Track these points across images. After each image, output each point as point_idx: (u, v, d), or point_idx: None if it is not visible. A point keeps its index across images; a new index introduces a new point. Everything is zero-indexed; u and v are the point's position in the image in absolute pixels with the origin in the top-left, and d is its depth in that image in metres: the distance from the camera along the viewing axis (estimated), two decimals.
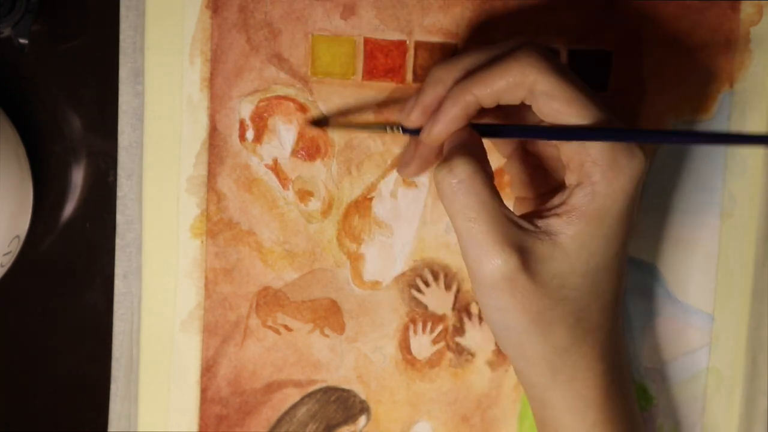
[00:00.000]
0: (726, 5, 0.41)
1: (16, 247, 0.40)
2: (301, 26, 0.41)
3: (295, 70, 0.41)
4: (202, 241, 0.42)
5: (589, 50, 0.41)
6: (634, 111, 0.42)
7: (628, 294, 0.42)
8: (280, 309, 0.42)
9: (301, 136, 0.41)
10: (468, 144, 0.35)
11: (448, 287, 0.42)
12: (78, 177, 0.42)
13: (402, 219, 0.42)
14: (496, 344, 0.43)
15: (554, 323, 0.35)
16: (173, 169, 0.41)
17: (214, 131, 0.41)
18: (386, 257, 0.42)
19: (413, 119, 0.37)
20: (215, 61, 0.41)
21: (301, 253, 0.42)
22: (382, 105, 0.41)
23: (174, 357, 0.42)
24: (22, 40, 0.40)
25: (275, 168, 0.42)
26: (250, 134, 0.41)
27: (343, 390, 0.43)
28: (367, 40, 0.41)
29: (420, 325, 0.43)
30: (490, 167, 0.35)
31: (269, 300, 0.42)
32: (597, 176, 0.34)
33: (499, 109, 0.36)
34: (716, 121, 0.42)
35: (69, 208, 0.42)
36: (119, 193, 0.42)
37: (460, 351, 0.43)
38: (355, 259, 0.42)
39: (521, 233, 0.34)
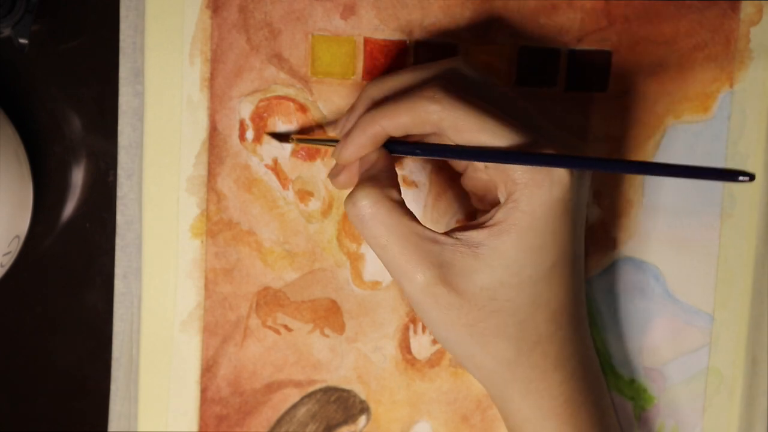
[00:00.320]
0: (726, 5, 0.41)
1: (16, 247, 0.40)
2: (301, 26, 0.41)
3: (295, 70, 0.41)
4: (202, 241, 0.42)
5: (589, 50, 0.41)
6: (634, 111, 0.42)
7: (628, 294, 0.42)
8: (280, 309, 0.42)
9: None
10: (375, 169, 0.35)
11: None
12: (78, 177, 0.42)
13: None
14: None
15: (491, 335, 0.35)
16: (173, 169, 0.41)
17: (214, 131, 0.41)
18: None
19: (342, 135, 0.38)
20: (215, 61, 0.41)
21: (301, 253, 0.42)
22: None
23: (174, 357, 0.42)
24: (22, 40, 0.40)
25: (275, 168, 0.42)
26: (250, 134, 0.41)
27: (343, 390, 0.43)
28: (367, 40, 0.41)
29: (420, 325, 0.43)
30: (398, 189, 0.35)
31: (269, 300, 0.42)
32: (517, 193, 0.34)
33: None
34: (716, 121, 0.42)
35: (69, 208, 0.42)
36: (119, 193, 0.42)
37: None
38: (355, 259, 0.42)
39: (438, 249, 0.34)
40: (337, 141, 0.38)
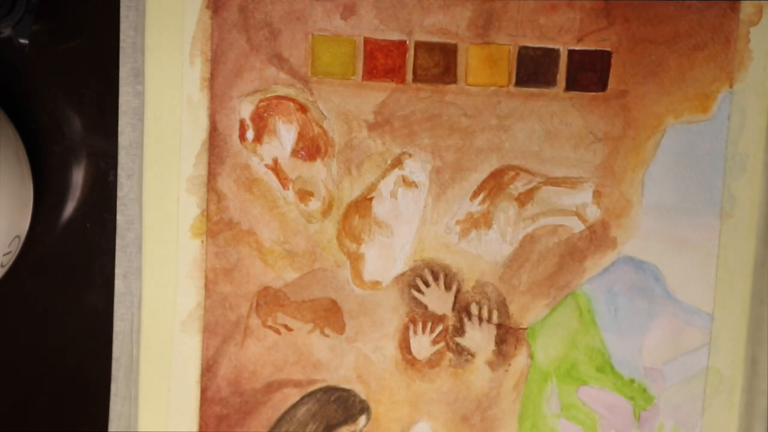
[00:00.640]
0: (726, 5, 0.41)
1: (16, 247, 0.40)
2: (301, 26, 0.41)
3: (295, 70, 0.41)
4: (202, 241, 0.42)
5: (589, 50, 0.41)
6: (634, 111, 0.42)
7: (628, 294, 0.42)
8: (280, 309, 0.42)
9: (301, 136, 0.41)
10: None
11: (448, 287, 0.42)
12: (78, 177, 0.42)
13: (402, 219, 0.42)
14: (495, 344, 0.43)
15: None
16: (173, 169, 0.41)
17: (214, 131, 0.41)
18: (386, 257, 0.42)
19: None
20: (215, 61, 0.41)
21: (301, 253, 0.42)
22: (382, 105, 0.41)
23: (174, 357, 0.42)
24: (22, 40, 0.40)
25: (275, 168, 0.42)
26: (250, 134, 0.41)
27: (343, 390, 0.43)
28: (367, 40, 0.41)
29: (420, 325, 0.43)
30: None
31: (269, 300, 0.42)
32: None
33: None
34: (716, 121, 0.42)
35: (69, 208, 0.42)
36: (119, 193, 0.42)
37: (460, 351, 0.43)
38: (355, 259, 0.42)
39: None
40: None
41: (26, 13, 0.40)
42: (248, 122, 0.41)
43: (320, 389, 0.43)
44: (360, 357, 0.43)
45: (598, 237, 0.42)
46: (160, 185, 0.41)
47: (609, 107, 0.42)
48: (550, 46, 0.41)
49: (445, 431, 0.43)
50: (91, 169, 0.42)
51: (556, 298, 0.42)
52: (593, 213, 0.42)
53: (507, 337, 0.43)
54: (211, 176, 0.41)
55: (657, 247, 0.42)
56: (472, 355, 0.43)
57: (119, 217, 0.42)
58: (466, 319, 0.43)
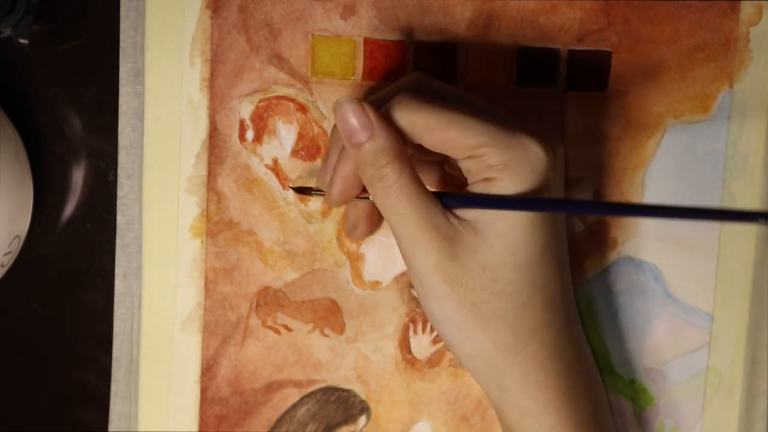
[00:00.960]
0: (726, 5, 0.41)
1: (16, 247, 0.40)
2: (301, 26, 0.41)
3: (295, 71, 0.41)
4: (202, 241, 0.42)
5: (589, 50, 0.41)
6: (634, 111, 0.42)
7: (628, 294, 0.42)
8: (280, 309, 0.42)
9: (301, 136, 0.42)
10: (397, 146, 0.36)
11: None
12: (78, 177, 0.42)
13: None
14: None
15: (493, 319, 0.35)
16: (173, 169, 0.41)
17: (214, 131, 0.41)
18: (386, 257, 0.42)
19: (327, 182, 0.38)
20: (215, 61, 0.41)
21: (301, 253, 0.42)
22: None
23: (174, 357, 0.42)
24: (22, 40, 0.40)
25: (275, 168, 0.42)
26: (250, 134, 0.41)
27: (343, 390, 0.43)
28: (367, 40, 0.41)
29: (420, 325, 0.43)
30: (413, 167, 0.35)
31: (269, 300, 0.42)
32: (499, 175, 0.35)
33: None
34: (716, 121, 0.42)
35: (69, 208, 0.42)
36: (119, 193, 0.42)
37: None
38: (355, 259, 0.42)
39: (449, 224, 0.35)
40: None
41: (26, 13, 0.40)
42: (248, 122, 0.41)
43: (320, 389, 0.43)
44: (360, 357, 0.43)
45: (598, 237, 0.42)
46: (160, 185, 0.41)
47: (609, 107, 0.42)
48: (550, 46, 0.41)
49: (445, 431, 0.43)
50: (91, 169, 0.42)
51: None
52: None
53: None
54: (211, 176, 0.42)
55: (657, 247, 0.42)
56: None
57: (119, 217, 0.42)
58: None
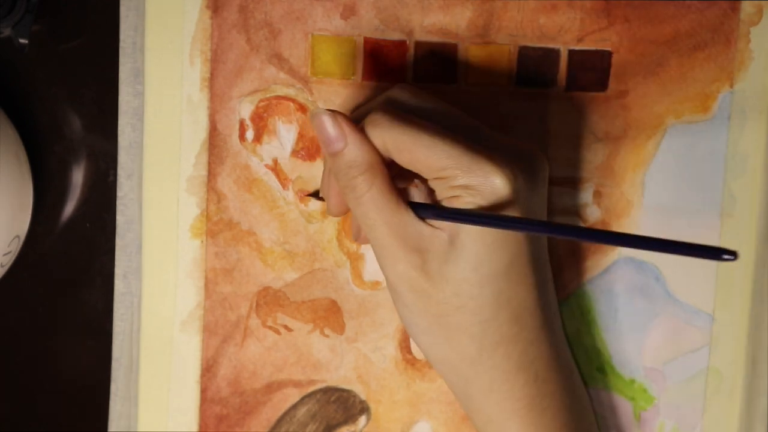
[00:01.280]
0: (726, 5, 0.41)
1: (16, 247, 0.40)
2: (301, 26, 0.41)
3: (295, 70, 0.41)
4: (202, 241, 0.42)
5: (589, 50, 0.41)
6: (634, 111, 0.42)
7: (629, 294, 0.42)
8: (280, 309, 0.42)
9: (301, 136, 0.42)
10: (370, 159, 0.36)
11: None
12: (78, 177, 0.42)
13: None
14: None
15: (456, 331, 0.36)
16: (173, 169, 0.41)
17: (214, 131, 0.41)
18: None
19: (326, 194, 0.39)
20: (215, 61, 0.41)
21: (301, 253, 0.42)
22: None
23: (174, 357, 0.42)
24: (22, 40, 0.40)
25: (275, 168, 0.42)
26: (250, 134, 0.41)
27: (343, 390, 0.43)
28: (367, 40, 0.41)
29: None
30: (388, 178, 0.36)
31: (269, 300, 0.42)
32: (462, 194, 0.35)
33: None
34: (716, 121, 0.42)
35: (69, 208, 0.42)
36: (119, 193, 0.42)
37: None
38: (355, 259, 0.42)
39: (420, 236, 0.36)
40: None
41: (26, 13, 0.40)
42: (248, 122, 0.41)
43: (320, 390, 0.43)
44: (360, 357, 0.43)
45: None
46: (160, 185, 0.41)
47: (609, 107, 0.42)
48: (550, 46, 0.41)
49: (445, 431, 0.43)
50: (91, 169, 0.42)
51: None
52: (593, 213, 0.42)
53: None
54: (211, 176, 0.41)
55: None
56: None
57: (119, 217, 0.42)
58: None
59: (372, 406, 0.43)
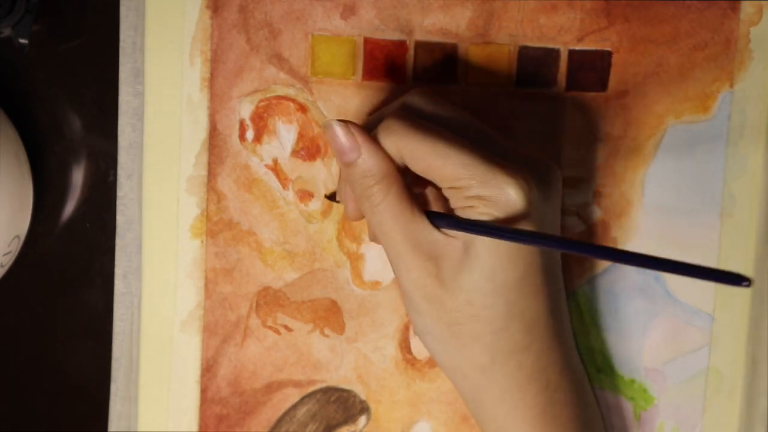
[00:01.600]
0: (726, 5, 0.41)
1: (16, 247, 0.40)
2: (301, 26, 0.41)
3: (295, 70, 0.41)
4: (202, 241, 0.42)
5: (589, 50, 0.41)
6: (634, 111, 0.42)
7: (629, 294, 0.42)
8: (280, 309, 0.42)
9: (301, 136, 0.42)
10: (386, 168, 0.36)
11: None
12: (78, 177, 0.42)
13: None
14: None
15: (468, 339, 0.36)
16: (173, 169, 0.41)
17: (214, 131, 0.41)
18: (386, 257, 0.42)
19: (343, 198, 0.39)
20: (215, 61, 0.41)
21: (301, 253, 0.42)
22: (381, 106, 0.41)
23: (174, 357, 0.42)
24: (22, 40, 0.40)
25: (275, 168, 0.42)
26: (250, 134, 0.41)
27: (343, 390, 0.43)
28: (367, 40, 0.41)
29: None
30: (404, 185, 0.36)
31: (269, 300, 0.42)
32: (476, 204, 0.35)
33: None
34: (716, 121, 0.42)
35: (69, 208, 0.42)
36: (119, 193, 0.42)
37: None
38: (355, 259, 0.42)
39: (435, 244, 0.36)
40: None
41: (26, 13, 0.40)
42: (248, 122, 0.41)
43: (320, 389, 0.43)
44: (360, 357, 0.43)
45: (598, 237, 0.42)
46: (160, 185, 0.41)
47: (609, 107, 0.42)
48: (551, 46, 0.41)
49: (445, 431, 0.43)
50: (91, 169, 0.42)
51: None
52: (593, 213, 0.42)
53: None
54: (211, 176, 0.41)
55: (657, 247, 0.42)
56: None
57: (119, 217, 0.42)
58: None
59: (372, 406, 0.43)
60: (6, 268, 0.40)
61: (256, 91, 0.41)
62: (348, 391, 0.43)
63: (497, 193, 0.34)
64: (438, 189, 0.37)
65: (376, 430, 0.43)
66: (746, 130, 0.42)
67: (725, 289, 0.42)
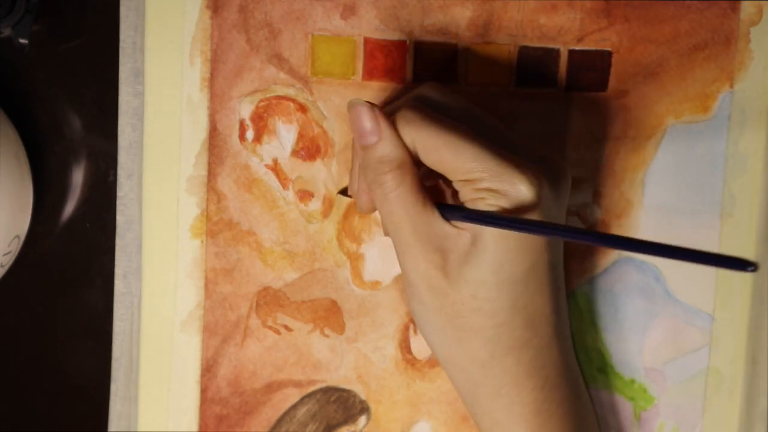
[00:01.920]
0: (726, 5, 0.41)
1: (16, 247, 0.40)
2: (301, 26, 0.41)
3: (295, 70, 0.41)
4: (202, 241, 0.42)
5: (589, 50, 0.41)
6: (634, 111, 0.42)
7: (629, 294, 0.42)
8: (280, 309, 0.42)
9: (301, 136, 0.42)
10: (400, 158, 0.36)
11: None
12: (78, 177, 0.42)
13: None
14: None
15: (470, 333, 0.36)
16: (173, 169, 0.41)
17: (214, 131, 0.41)
18: (386, 257, 0.42)
19: (355, 191, 0.39)
20: (215, 61, 0.41)
21: (301, 253, 0.42)
22: (384, 105, 0.41)
23: (174, 357, 0.42)
24: (22, 40, 0.40)
25: (275, 168, 0.42)
26: (250, 134, 0.41)
27: (343, 390, 0.43)
28: (367, 40, 0.41)
29: None
30: (417, 176, 0.36)
31: (269, 300, 0.42)
32: (486, 196, 0.35)
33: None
34: (716, 121, 0.42)
35: (69, 208, 0.42)
36: (119, 193, 0.42)
37: None
38: (355, 259, 0.42)
39: (444, 236, 0.36)
40: None
41: (26, 13, 0.40)
42: (248, 122, 0.41)
43: (320, 389, 0.43)
44: (360, 357, 0.43)
45: None
46: (160, 185, 0.41)
47: (609, 107, 0.42)
48: (551, 46, 0.41)
49: (445, 431, 0.43)
50: (91, 169, 0.42)
51: None
52: (593, 213, 0.42)
53: None
54: (211, 176, 0.41)
55: None
56: None
57: (119, 217, 0.42)
58: None
59: (372, 406, 0.43)
60: (6, 268, 0.40)
61: (256, 91, 0.41)
62: (348, 391, 0.43)
63: (508, 187, 0.35)
64: (448, 183, 0.37)
65: (376, 430, 0.43)
66: (746, 130, 0.42)
67: (725, 289, 0.42)
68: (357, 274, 0.42)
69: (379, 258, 0.42)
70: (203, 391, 0.42)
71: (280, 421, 0.43)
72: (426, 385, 0.43)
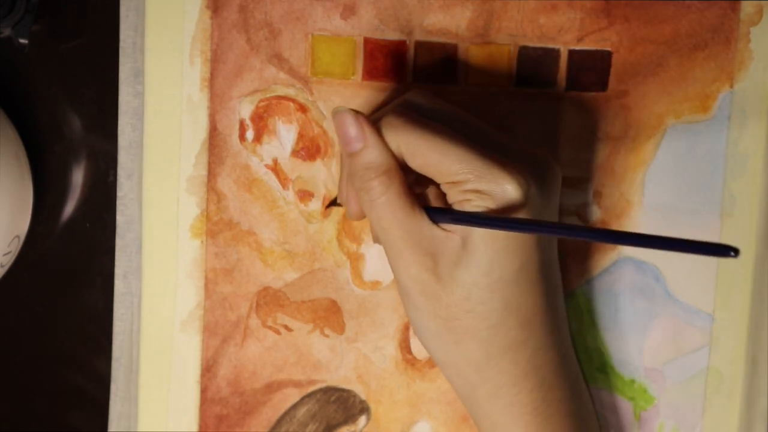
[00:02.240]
0: (726, 5, 0.41)
1: (16, 247, 0.40)
2: (301, 26, 0.41)
3: (295, 70, 0.41)
4: (202, 241, 0.42)
5: (589, 50, 0.41)
6: (634, 111, 0.42)
7: (629, 294, 0.42)
8: (280, 309, 0.42)
9: (301, 136, 0.42)
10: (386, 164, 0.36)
11: None
12: (78, 177, 0.42)
13: None
14: None
15: (464, 335, 0.36)
16: (173, 169, 0.41)
17: (214, 131, 0.41)
18: (386, 257, 0.42)
19: (345, 199, 0.39)
20: (215, 61, 0.41)
21: (301, 253, 0.42)
22: (381, 106, 0.41)
23: (174, 357, 0.42)
24: (22, 40, 0.40)
25: (275, 168, 0.42)
26: (250, 134, 0.41)
27: (343, 390, 0.43)
28: (367, 40, 0.41)
29: None
30: (404, 181, 0.36)
31: (269, 300, 0.42)
32: (473, 197, 0.35)
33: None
34: (716, 121, 0.42)
35: (69, 208, 0.42)
36: (119, 193, 0.42)
37: None
38: (355, 259, 0.42)
39: (433, 239, 0.36)
40: None
41: (26, 13, 0.40)
42: (248, 122, 0.41)
43: (320, 389, 0.43)
44: (360, 357, 0.43)
45: None
46: (160, 185, 0.41)
47: (609, 107, 0.42)
48: (550, 46, 0.41)
49: (445, 431, 0.43)
50: (91, 169, 0.42)
51: None
52: (593, 213, 0.42)
53: None
54: (211, 176, 0.41)
55: None
56: None
57: (119, 217, 0.42)
58: None
59: (372, 406, 0.43)
60: (6, 268, 0.40)
61: (256, 91, 0.41)
62: (348, 391, 0.43)
63: (494, 188, 0.35)
64: (438, 188, 0.37)
65: (376, 430, 0.43)
66: (746, 130, 0.42)
67: (725, 289, 0.42)
68: (357, 274, 0.42)
69: (379, 258, 0.42)
70: (203, 391, 0.42)
71: (280, 421, 0.43)
72: (426, 385, 0.43)
